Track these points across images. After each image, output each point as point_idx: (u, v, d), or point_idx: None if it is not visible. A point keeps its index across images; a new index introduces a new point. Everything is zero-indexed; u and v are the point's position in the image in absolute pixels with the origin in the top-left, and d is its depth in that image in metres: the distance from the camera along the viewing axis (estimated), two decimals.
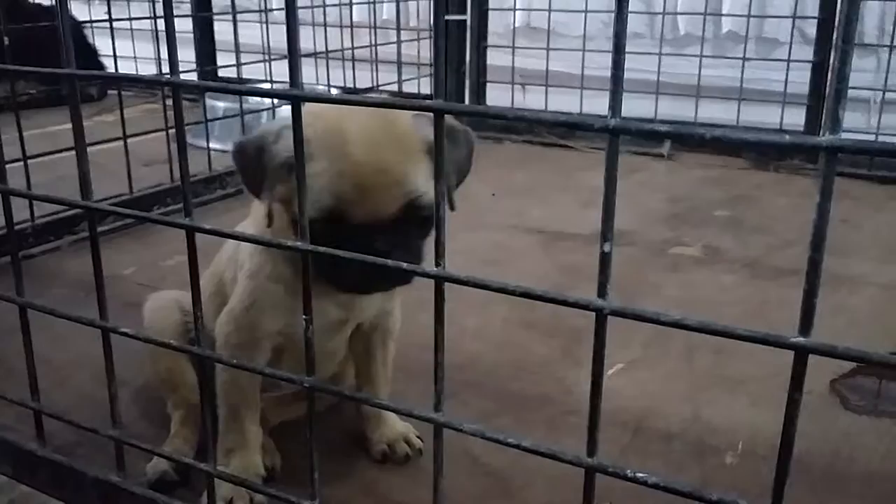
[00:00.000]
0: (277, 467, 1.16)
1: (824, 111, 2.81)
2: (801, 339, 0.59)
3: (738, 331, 0.62)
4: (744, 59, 2.99)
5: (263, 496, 1.08)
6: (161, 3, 0.82)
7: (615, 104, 0.60)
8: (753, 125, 3.02)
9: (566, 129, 3.22)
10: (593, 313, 0.66)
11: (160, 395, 1.29)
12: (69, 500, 1.08)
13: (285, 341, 1.10)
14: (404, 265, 0.77)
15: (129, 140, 2.26)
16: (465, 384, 1.40)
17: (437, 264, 0.73)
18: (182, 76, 0.83)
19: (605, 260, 0.64)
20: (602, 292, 0.65)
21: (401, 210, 0.94)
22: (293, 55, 0.72)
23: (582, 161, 3.01)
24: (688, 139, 0.58)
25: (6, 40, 1.99)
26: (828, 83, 2.81)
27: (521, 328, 1.64)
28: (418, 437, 1.22)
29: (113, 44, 2.58)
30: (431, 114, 0.72)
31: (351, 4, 3.30)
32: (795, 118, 2.91)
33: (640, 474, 0.71)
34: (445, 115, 0.97)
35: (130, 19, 2.85)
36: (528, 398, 1.38)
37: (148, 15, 2.73)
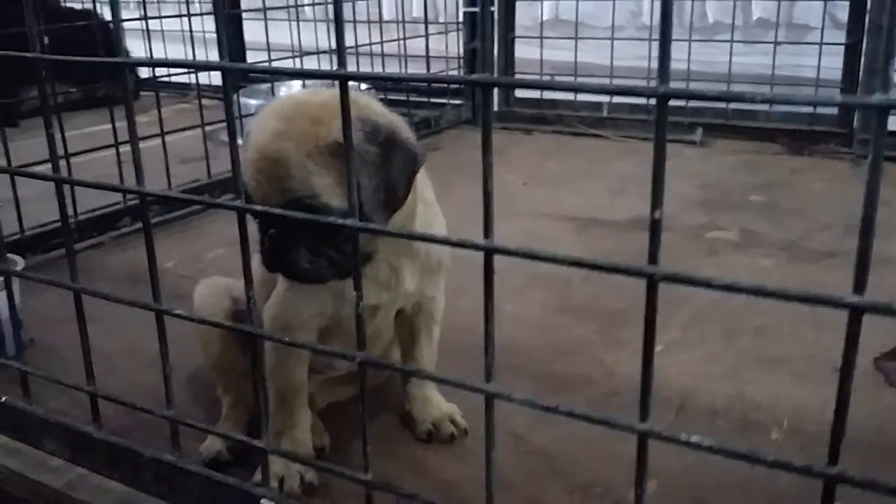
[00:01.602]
0: (326, 447, 1.19)
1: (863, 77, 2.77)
2: (855, 299, 0.59)
3: (791, 291, 0.62)
4: (775, 42, 2.97)
5: (314, 474, 1.10)
6: (187, 4, 0.84)
7: (663, 70, 0.60)
8: (786, 112, 3.00)
9: (596, 119, 3.23)
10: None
11: (210, 381, 1.32)
12: (125, 480, 1.11)
13: (331, 323, 1.12)
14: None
15: (165, 138, 2.30)
16: (505, 366, 1.41)
17: (486, 236, 0.75)
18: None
19: (655, 227, 0.65)
20: (653, 259, 0.66)
21: (286, 206, 0.94)
22: (339, 37, 0.73)
23: (613, 150, 3.00)
24: (738, 99, 0.59)
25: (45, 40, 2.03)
26: (861, 65, 2.77)
27: (559, 313, 1.65)
28: (463, 417, 1.23)
29: (148, 42, 2.62)
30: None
31: None
32: (829, 107, 2.89)
33: (695, 438, 0.72)
34: (393, 129, 0.99)
35: (161, 18, 2.87)
36: (568, 380, 1.39)
37: (179, 13, 2.76)
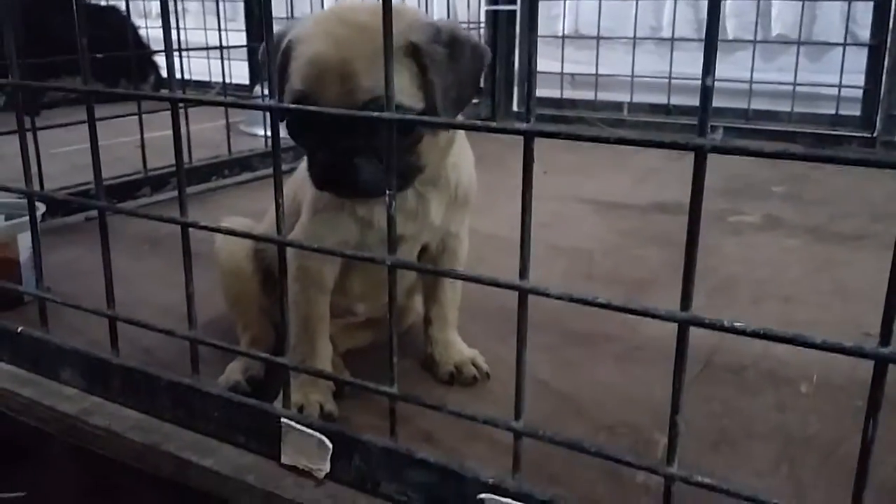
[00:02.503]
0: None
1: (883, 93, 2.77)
2: None
3: (848, 154, 0.60)
4: (798, 42, 2.97)
5: (333, 405, 1.08)
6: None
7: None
8: (808, 113, 2.99)
9: (616, 121, 3.22)
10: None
11: (228, 328, 1.30)
12: (142, 407, 1.08)
13: (352, 264, 1.11)
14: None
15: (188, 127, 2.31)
16: (529, 323, 1.39)
17: (528, 120, 0.73)
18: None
19: (706, 93, 0.64)
20: (702, 131, 0.64)
21: (363, 107, 0.91)
22: None
23: (634, 146, 2.99)
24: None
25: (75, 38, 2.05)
26: (884, 65, 2.76)
27: (581, 279, 1.63)
28: (485, 362, 1.21)
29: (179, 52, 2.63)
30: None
31: None
32: (851, 110, 2.89)
33: (738, 324, 0.70)
34: (453, 28, 0.97)
35: (185, 28, 2.90)
36: (593, 335, 1.37)
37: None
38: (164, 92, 0.94)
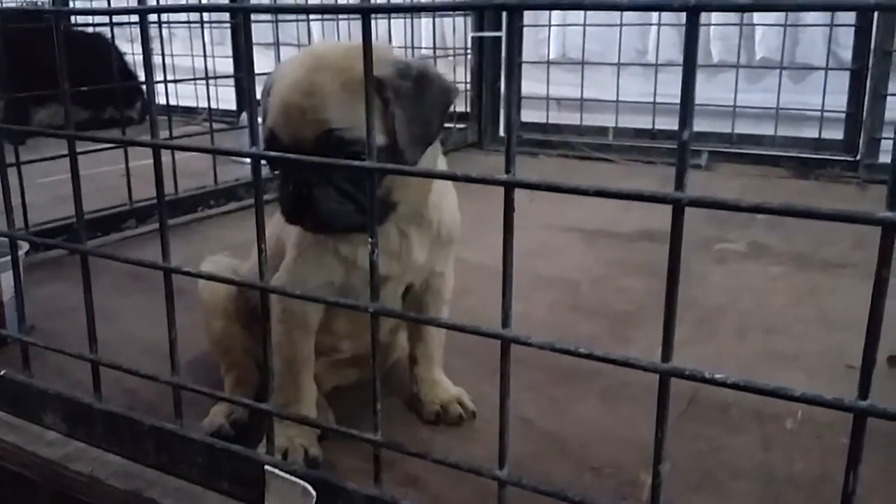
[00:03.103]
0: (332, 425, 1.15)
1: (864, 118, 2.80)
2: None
3: (822, 210, 0.60)
4: (780, 67, 3.00)
5: (318, 449, 1.07)
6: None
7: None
8: (791, 137, 3.02)
9: (601, 145, 3.23)
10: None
11: (211, 367, 1.29)
12: (125, 452, 1.08)
13: (339, 294, 1.10)
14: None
15: (174, 157, 2.31)
16: (514, 359, 1.39)
17: (507, 171, 0.73)
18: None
19: (683, 149, 0.64)
20: (679, 185, 0.65)
21: (319, 139, 0.93)
22: None
23: (618, 172, 3.01)
24: (773, 9, 0.58)
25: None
26: (866, 88, 2.79)
27: (567, 311, 1.63)
28: (471, 400, 1.21)
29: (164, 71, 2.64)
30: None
31: (389, 19, 3.34)
32: (834, 134, 2.92)
33: (719, 375, 0.70)
34: (423, 65, 1.00)
35: (172, 55, 2.90)
36: (579, 371, 1.37)
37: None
38: (146, 138, 0.93)
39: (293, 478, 0.91)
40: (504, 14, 0.71)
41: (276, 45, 2.77)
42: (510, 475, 0.81)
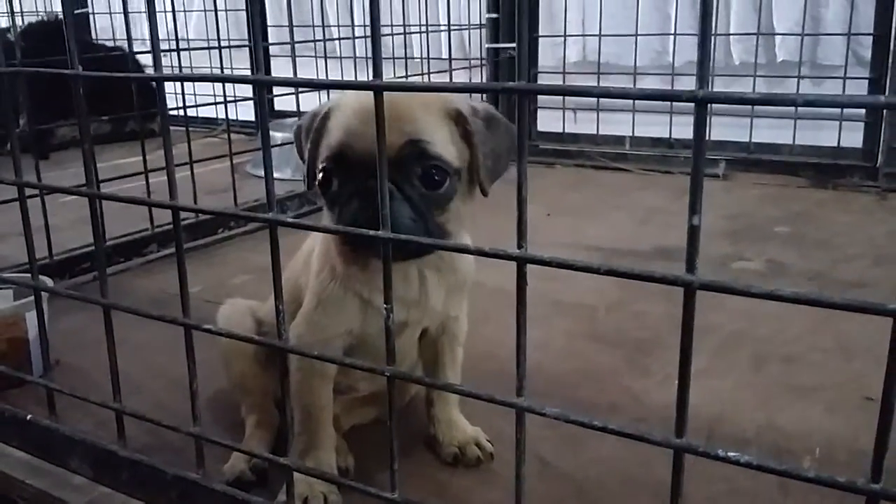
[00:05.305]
0: (351, 468, 1.17)
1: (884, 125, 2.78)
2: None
3: (834, 300, 0.61)
4: (798, 76, 2.98)
5: (338, 496, 1.08)
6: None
7: (703, 74, 0.60)
8: (810, 145, 3.00)
9: (618, 154, 3.23)
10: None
11: (232, 404, 1.31)
12: (149, 499, 1.10)
13: (356, 343, 1.12)
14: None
15: (194, 169, 2.33)
16: (530, 392, 1.40)
17: (520, 246, 0.74)
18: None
19: (693, 233, 0.65)
20: (690, 267, 0.66)
21: (402, 147, 0.93)
22: (376, 49, 0.74)
23: (635, 182, 3.00)
24: (779, 104, 0.58)
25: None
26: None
27: (584, 340, 1.64)
28: (489, 440, 1.22)
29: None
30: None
31: (405, 33, 3.34)
32: (853, 140, 2.90)
33: (732, 454, 0.70)
34: (487, 107, 1.03)
35: (190, 68, 2.93)
36: (595, 406, 1.37)
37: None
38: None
39: None
40: (516, 98, 0.72)
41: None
42: None
